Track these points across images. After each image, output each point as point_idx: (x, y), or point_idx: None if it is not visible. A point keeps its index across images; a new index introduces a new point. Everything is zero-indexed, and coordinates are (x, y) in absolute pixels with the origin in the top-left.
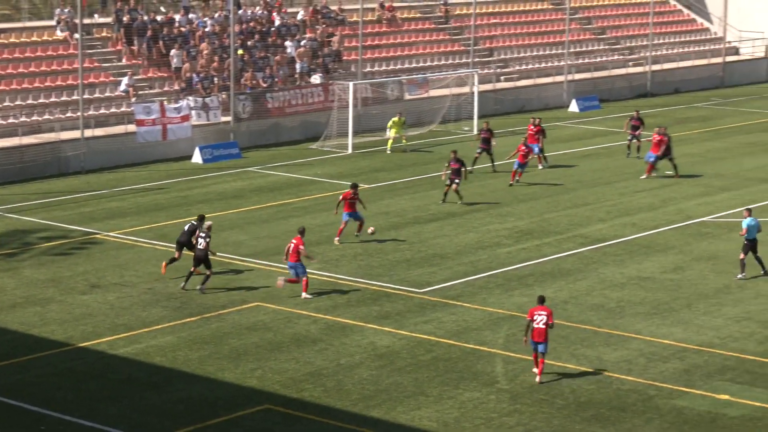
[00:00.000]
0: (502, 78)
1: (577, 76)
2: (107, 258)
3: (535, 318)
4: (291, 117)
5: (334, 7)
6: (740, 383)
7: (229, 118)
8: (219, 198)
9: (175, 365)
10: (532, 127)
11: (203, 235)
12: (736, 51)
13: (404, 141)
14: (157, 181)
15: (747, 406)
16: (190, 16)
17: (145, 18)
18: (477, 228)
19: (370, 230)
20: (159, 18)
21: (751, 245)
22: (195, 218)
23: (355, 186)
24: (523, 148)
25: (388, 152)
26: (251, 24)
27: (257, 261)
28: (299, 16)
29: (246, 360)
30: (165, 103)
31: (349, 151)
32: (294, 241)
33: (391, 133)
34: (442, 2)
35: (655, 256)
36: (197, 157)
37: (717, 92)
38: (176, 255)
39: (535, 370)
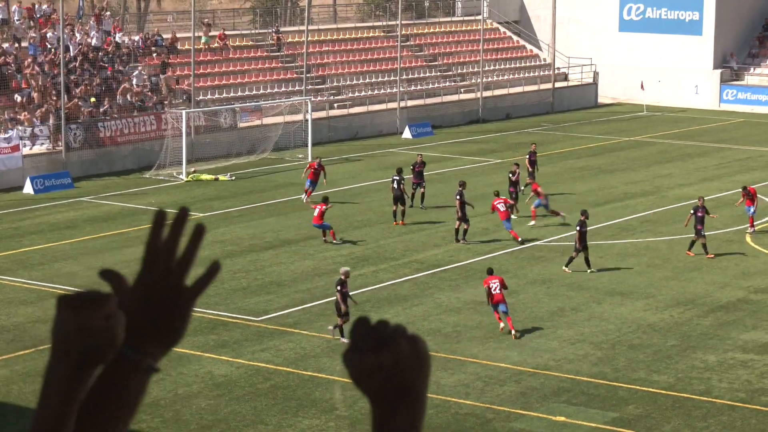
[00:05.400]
0: (335, 105)
1: (410, 103)
2: None
3: (491, 286)
4: (123, 146)
5: (166, 36)
6: (576, 404)
7: (60, 148)
8: (51, 229)
9: (8, 399)
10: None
11: (336, 281)
12: (565, 77)
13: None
14: None
15: (582, 427)
16: (23, 45)
17: None
18: (313, 255)
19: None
20: None
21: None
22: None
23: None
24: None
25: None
26: (83, 51)
27: None
28: (131, 44)
29: None
30: None
31: (183, 179)
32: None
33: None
34: (273, 30)
35: None
36: (28, 188)
37: (547, 118)
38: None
39: (502, 325)
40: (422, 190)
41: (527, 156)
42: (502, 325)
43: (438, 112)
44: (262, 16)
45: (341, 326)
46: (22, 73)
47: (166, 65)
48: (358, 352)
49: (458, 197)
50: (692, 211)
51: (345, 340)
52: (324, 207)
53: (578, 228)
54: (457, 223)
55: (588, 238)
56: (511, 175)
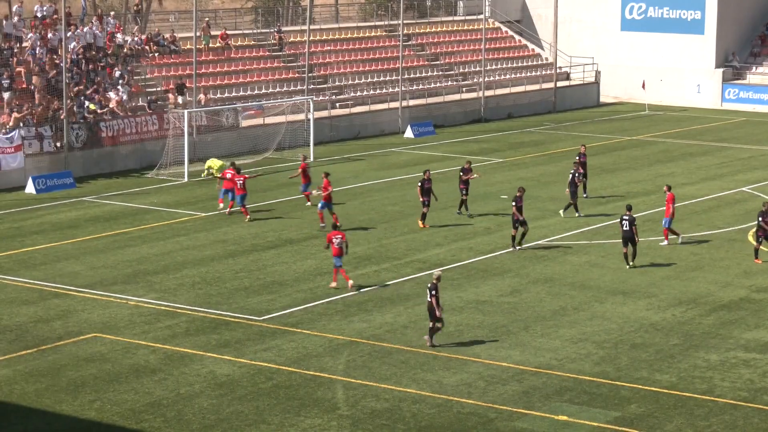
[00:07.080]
0: (337, 105)
1: (412, 102)
2: None
3: (333, 240)
4: (125, 146)
5: (167, 35)
6: (578, 404)
7: (63, 147)
8: (53, 228)
9: (11, 399)
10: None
11: (429, 285)
12: (567, 76)
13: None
14: None
15: (585, 426)
16: (23, 45)
17: None
18: (315, 255)
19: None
20: None
21: None
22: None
23: None
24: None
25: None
26: (84, 50)
27: (94, 291)
28: (132, 44)
29: (84, 392)
30: None
31: (185, 179)
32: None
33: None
34: (275, 30)
35: (492, 279)
36: (30, 188)
37: (549, 117)
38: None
39: (334, 284)
40: (464, 197)
41: (577, 157)
42: (334, 284)
43: (440, 111)
44: (263, 16)
45: (433, 330)
46: (24, 73)
47: (183, 87)
48: None
49: (514, 203)
50: (759, 218)
51: (435, 344)
52: (245, 177)
53: (635, 225)
54: (514, 230)
55: (590, 237)
56: (576, 176)
